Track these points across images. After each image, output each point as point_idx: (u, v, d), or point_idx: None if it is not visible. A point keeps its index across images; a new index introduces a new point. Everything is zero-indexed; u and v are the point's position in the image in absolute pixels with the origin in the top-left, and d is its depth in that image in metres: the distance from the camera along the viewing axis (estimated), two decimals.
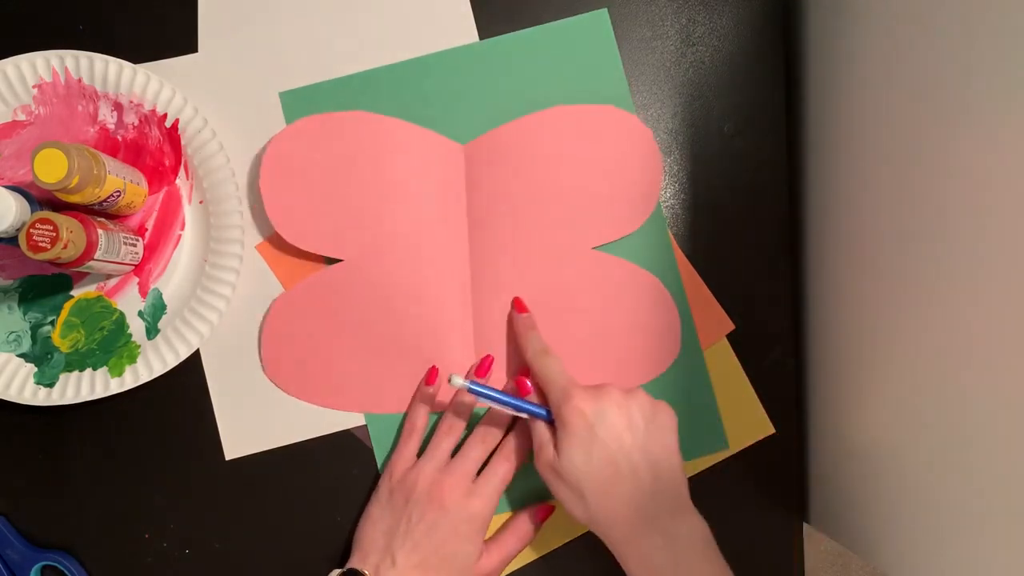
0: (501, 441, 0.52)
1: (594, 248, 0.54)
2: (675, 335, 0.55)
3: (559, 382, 0.48)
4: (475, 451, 0.51)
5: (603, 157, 0.54)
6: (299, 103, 0.54)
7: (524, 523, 0.53)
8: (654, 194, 0.54)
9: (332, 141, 0.53)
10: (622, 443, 0.45)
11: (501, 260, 0.54)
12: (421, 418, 0.53)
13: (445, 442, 0.52)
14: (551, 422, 0.48)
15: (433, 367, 0.53)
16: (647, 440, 0.46)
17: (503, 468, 0.51)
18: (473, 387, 0.48)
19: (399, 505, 0.50)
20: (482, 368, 0.53)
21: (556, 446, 0.46)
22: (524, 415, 0.49)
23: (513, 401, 0.49)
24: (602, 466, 0.45)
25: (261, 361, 0.54)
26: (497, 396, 0.48)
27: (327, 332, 0.54)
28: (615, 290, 0.54)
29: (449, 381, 0.47)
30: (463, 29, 0.55)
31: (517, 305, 0.53)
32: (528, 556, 0.55)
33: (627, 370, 0.54)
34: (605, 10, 0.55)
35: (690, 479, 0.54)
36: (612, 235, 0.54)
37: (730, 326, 0.55)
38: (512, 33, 0.55)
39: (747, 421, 0.55)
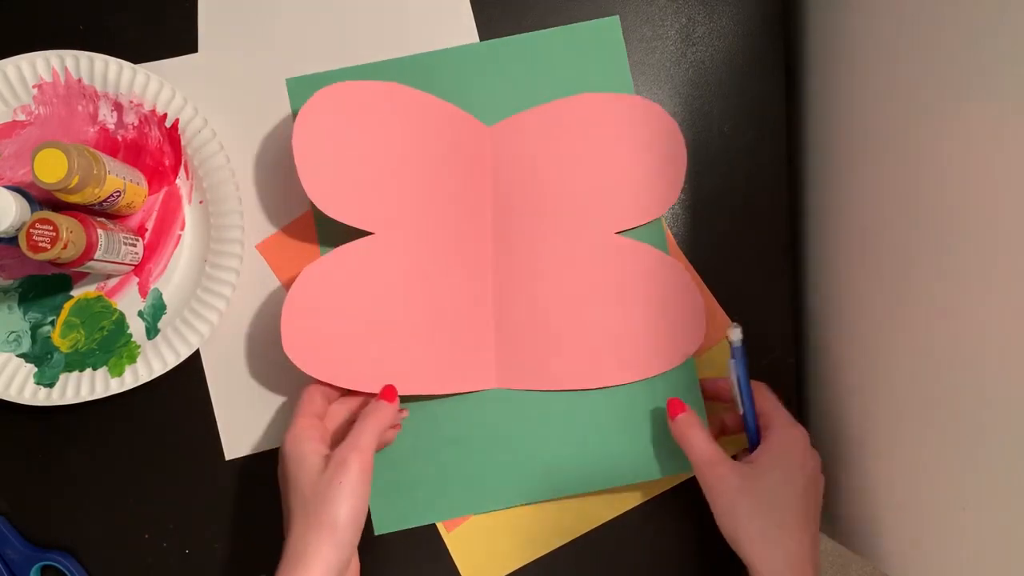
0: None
1: (617, 233, 0.54)
2: (700, 321, 0.54)
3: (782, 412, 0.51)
4: (341, 410, 0.51)
5: (628, 144, 0.54)
6: (306, 90, 0.53)
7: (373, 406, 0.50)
8: (678, 182, 0.55)
9: (365, 109, 0.52)
10: (816, 488, 0.48)
11: (523, 243, 0.54)
12: (332, 397, 0.52)
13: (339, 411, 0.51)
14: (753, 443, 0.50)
15: (390, 387, 0.50)
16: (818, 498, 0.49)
17: (370, 423, 0.48)
18: (736, 362, 0.49)
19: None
20: (387, 394, 0.50)
21: (753, 460, 0.48)
22: (741, 407, 0.50)
23: (748, 398, 0.50)
24: (796, 496, 0.47)
25: (281, 335, 0.50)
26: (744, 386, 0.50)
27: (351, 307, 0.51)
28: (639, 275, 0.54)
29: (728, 337, 0.49)
30: (463, 30, 0.55)
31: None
32: (527, 556, 0.55)
33: (651, 356, 0.54)
34: (616, 17, 0.55)
35: (690, 479, 0.54)
36: (635, 221, 0.54)
37: (731, 326, 0.55)
38: (523, 34, 0.55)
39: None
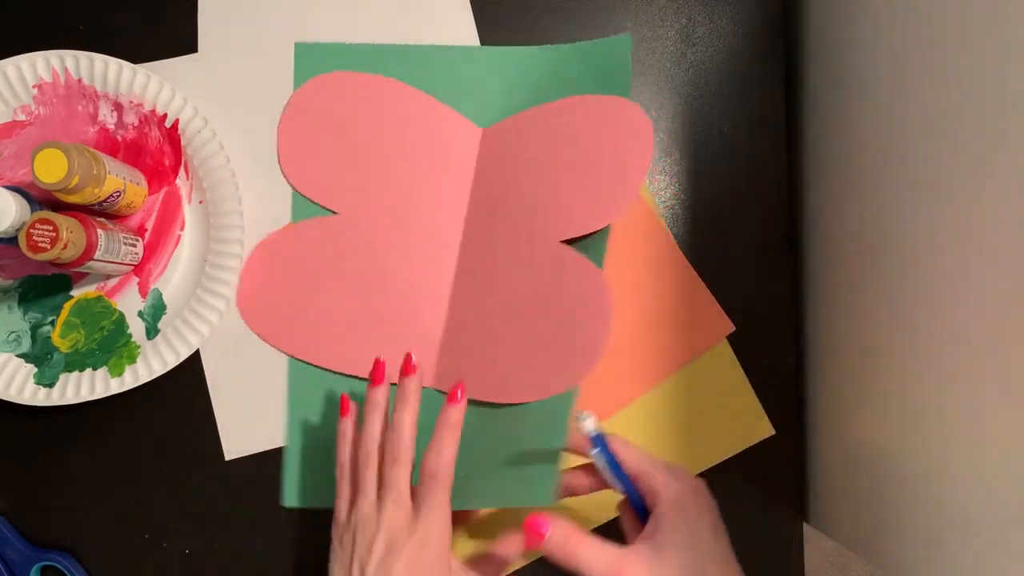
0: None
1: (563, 241, 0.51)
2: (596, 351, 0.48)
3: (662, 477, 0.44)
4: (399, 472, 0.45)
5: (585, 149, 0.52)
6: (311, 58, 0.55)
7: (511, 546, 0.48)
8: (634, 188, 0.50)
9: (356, 99, 0.54)
10: (720, 527, 0.44)
11: (488, 248, 0.54)
12: (345, 454, 0.48)
13: (368, 471, 0.45)
14: (639, 511, 0.45)
15: (379, 360, 0.48)
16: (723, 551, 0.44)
17: (439, 471, 0.44)
18: (600, 452, 0.43)
19: (348, 549, 0.44)
20: (407, 367, 0.47)
21: (651, 536, 0.42)
22: (619, 488, 0.45)
23: (624, 479, 0.45)
24: (709, 550, 0.42)
25: (236, 298, 0.53)
26: (615, 470, 0.44)
27: (308, 281, 0.54)
28: (554, 291, 0.51)
29: (579, 421, 0.43)
30: (463, 34, 0.55)
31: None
32: (527, 556, 0.55)
33: (541, 378, 0.50)
34: (628, 35, 0.54)
35: None
36: (579, 230, 0.50)
37: (730, 327, 0.55)
38: (537, 46, 0.55)
39: (747, 422, 0.55)
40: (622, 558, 0.41)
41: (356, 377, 0.54)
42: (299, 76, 0.55)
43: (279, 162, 0.54)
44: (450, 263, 0.54)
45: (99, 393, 0.52)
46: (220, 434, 0.54)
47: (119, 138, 0.53)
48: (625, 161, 0.51)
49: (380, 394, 0.47)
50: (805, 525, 0.57)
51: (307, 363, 0.54)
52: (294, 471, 0.54)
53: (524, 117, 0.54)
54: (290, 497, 0.54)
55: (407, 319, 0.54)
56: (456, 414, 0.46)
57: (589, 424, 0.43)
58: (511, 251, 0.53)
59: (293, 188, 0.54)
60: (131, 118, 0.53)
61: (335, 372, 0.54)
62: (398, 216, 0.54)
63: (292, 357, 0.54)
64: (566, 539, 0.42)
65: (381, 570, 0.42)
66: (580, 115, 0.53)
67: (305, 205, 0.55)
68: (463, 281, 0.54)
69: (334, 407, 0.54)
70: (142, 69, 0.52)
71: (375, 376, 0.48)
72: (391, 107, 0.55)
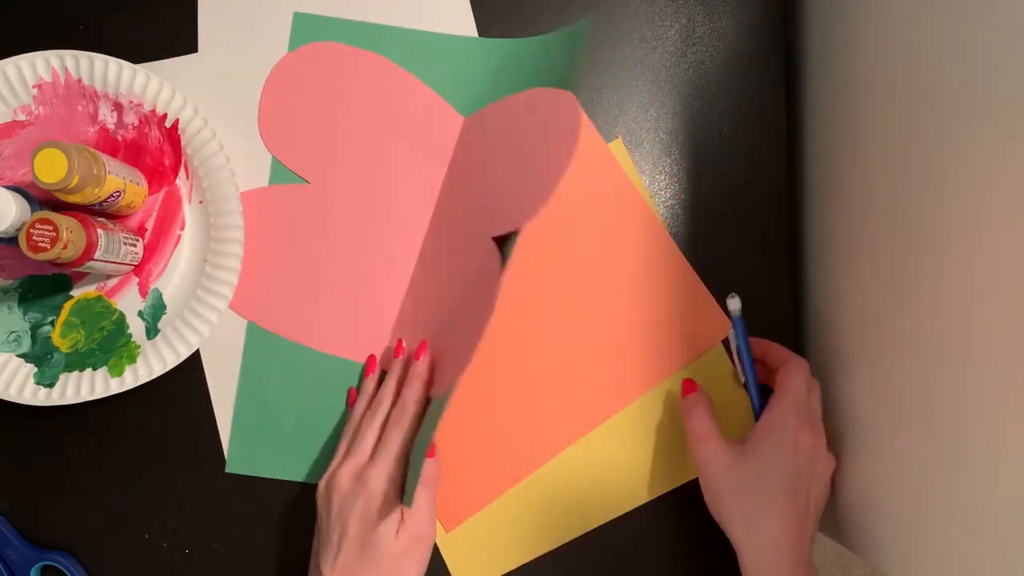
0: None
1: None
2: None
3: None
4: (367, 435, 0.49)
5: (529, 143, 0.50)
6: (308, 30, 0.55)
7: (428, 468, 0.50)
8: (549, 186, 0.45)
9: (345, 72, 0.55)
10: (810, 470, 0.47)
11: (445, 238, 0.54)
12: (360, 410, 0.51)
13: (365, 439, 0.49)
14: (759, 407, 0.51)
15: (372, 356, 0.53)
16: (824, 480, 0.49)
17: (394, 434, 0.48)
18: (738, 327, 0.51)
19: (323, 520, 0.48)
20: (419, 351, 0.51)
21: (748, 439, 0.49)
22: (743, 376, 0.52)
23: (749, 363, 0.52)
24: (784, 479, 0.46)
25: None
26: (745, 353, 0.52)
27: (270, 247, 0.54)
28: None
29: (727, 307, 0.52)
30: (461, 24, 0.55)
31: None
32: (524, 556, 0.55)
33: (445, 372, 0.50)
34: (587, 20, 0.51)
35: (689, 480, 0.54)
36: (509, 226, 0.48)
37: (729, 327, 0.55)
38: (522, 39, 0.55)
39: (745, 423, 0.55)
40: (713, 437, 0.49)
41: (311, 348, 0.55)
42: (294, 45, 0.55)
43: (258, 122, 0.54)
44: (414, 249, 0.55)
45: (99, 393, 0.52)
46: (220, 434, 0.54)
47: (119, 138, 0.53)
48: (547, 158, 0.47)
49: (418, 366, 0.51)
50: None
51: (264, 329, 0.54)
52: (241, 438, 0.54)
53: (496, 108, 0.54)
54: (233, 463, 0.54)
55: (363, 298, 0.55)
56: (421, 366, 0.50)
57: (734, 304, 0.51)
58: (462, 243, 0.53)
59: (268, 150, 0.55)
60: (131, 118, 0.53)
61: (291, 341, 0.54)
62: (367, 192, 0.55)
63: (250, 322, 0.55)
64: (695, 403, 0.51)
65: (344, 536, 0.46)
66: (528, 109, 0.52)
67: (282, 171, 0.55)
68: (422, 269, 0.55)
69: (285, 376, 0.54)
70: (142, 69, 0.52)
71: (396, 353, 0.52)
72: (378, 85, 0.55)
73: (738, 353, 0.51)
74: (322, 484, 0.49)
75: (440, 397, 0.48)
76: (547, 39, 0.55)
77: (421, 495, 0.48)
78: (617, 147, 0.56)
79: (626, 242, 0.55)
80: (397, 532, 0.46)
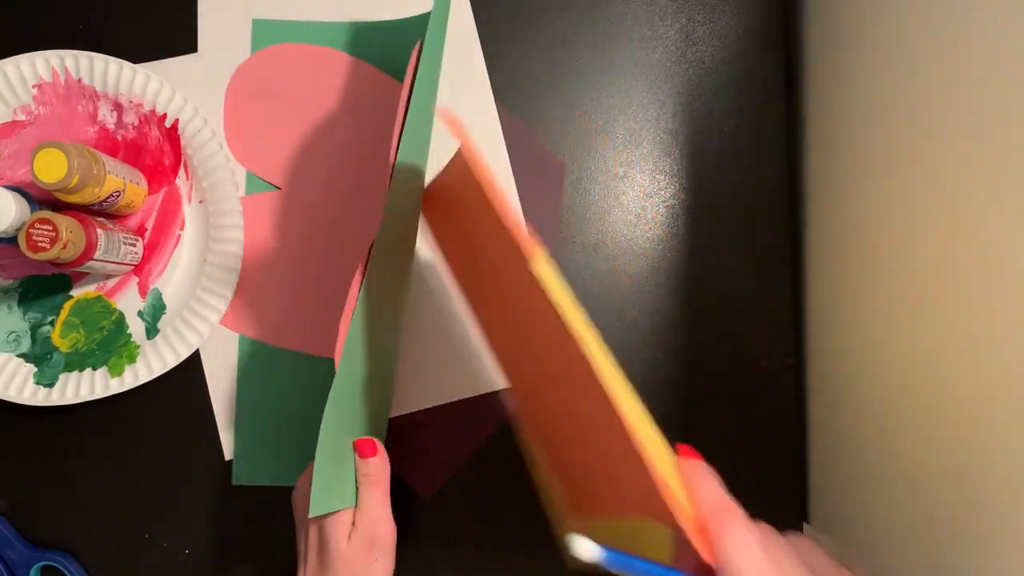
0: None
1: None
2: None
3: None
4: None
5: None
6: (268, 35, 0.55)
7: (367, 467, 0.47)
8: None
9: (300, 72, 0.55)
10: None
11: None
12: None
13: None
14: None
15: (370, 442, 0.47)
16: None
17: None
18: (610, 558, 0.33)
19: (296, 525, 0.48)
20: (365, 449, 0.47)
21: None
22: None
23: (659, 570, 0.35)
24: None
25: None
26: (640, 568, 0.34)
27: (253, 259, 0.54)
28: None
29: (569, 542, 0.32)
30: (463, 33, 0.55)
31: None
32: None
33: None
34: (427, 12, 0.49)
35: None
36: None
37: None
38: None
39: None
40: (732, 511, 0.38)
41: (302, 353, 0.54)
42: (255, 50, 0.55)
43: (225, 136, 0.54)
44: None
45: (99, 393, 0.52)
46: (220, 434, 0.55)
47: (119, 138, 0.53)
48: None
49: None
50: (805, 525, 0.57)
51: (254, 340, 0.54)
52: (245, 451, 0.54)
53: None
54: (239, 475, 0.54)
55: (339, 295, 0.54)
56: (368, 468, 0.46)
57: (586, 547, 0.32)
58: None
59: (239, 163, 0.54)
60: (131, 118, 0.53)
61: (282, 348, 0.54)
62: (333, 187, 0.55)
63: (241, 335, 0.54)
64: (701, 469, 0.39)
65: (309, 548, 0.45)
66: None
67: (256, 181, 0.55)
68: None
69: (279, 385, 0.54)
70: (142, 69, 0.52)
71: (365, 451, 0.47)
72: (327, 75, 0.55)
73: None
74: (295, 490, 0.48)
75: (350, 377, 0.45)
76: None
77: (368, 495, 0.46)
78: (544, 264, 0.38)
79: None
80: (349, 537, 0.45)
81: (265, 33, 0.55)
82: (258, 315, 0.54)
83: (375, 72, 0.55)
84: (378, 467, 0.48)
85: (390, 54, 0.55)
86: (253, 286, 0.54)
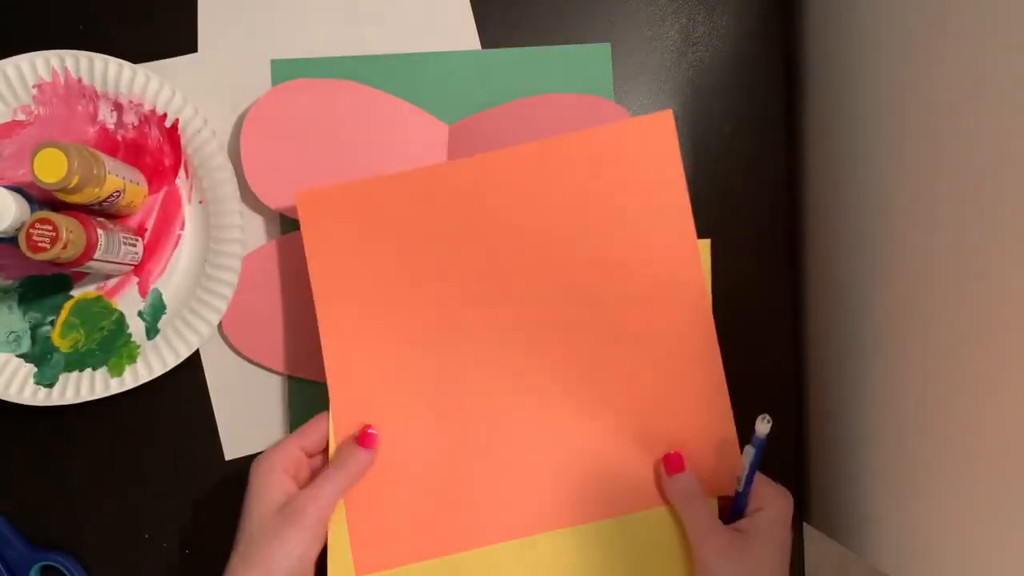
0: None
1: None
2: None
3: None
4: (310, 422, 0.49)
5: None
6: (289, 74, 0.54)
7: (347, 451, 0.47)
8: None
9: (318, 106, 0.53)
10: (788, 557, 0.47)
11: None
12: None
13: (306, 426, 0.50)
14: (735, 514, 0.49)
15: (368, 431, 0.48)
16: None
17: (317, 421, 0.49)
18: (758, 447, 0.46)
19: None
20: (366, 439, 0.48)
21: (745, 530, 0.47)
22: (740, 485, 0.48)
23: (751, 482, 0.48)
24: (778, 569, 0.46)
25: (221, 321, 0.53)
26: (755, 468, 0.47)
27: (288, 295, 0.53)
28: None
29: (757, 428, 0.45)
30: (464, 36, 0.55)
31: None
32: None
33: None
34: (608, 45, 0.55)
35: None
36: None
37: (737, 458, 0.51)
38: (514, 48, 0.55)
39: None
40: (720, 530, 0.46)
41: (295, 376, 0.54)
42: None
43: (245, 175, 0.52)
44: None
45: (99, 393, 0.52)
46: (220, 434, 0.55)
47: (119, 138, 0.53)
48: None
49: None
50: (805, 525, 0.57)
51: (301, 379, 0.54)
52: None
53: (491, 114, 0.54)
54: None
55: None
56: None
57: (765, 427, 0.45)
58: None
59: (268, 206, 0.53)
60: (131, 118, 0.53)
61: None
62: None
63: (287, 376, 0.54)
64: (693, 487, 0.47)
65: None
66: (557, 112, 0.54)
67: (290, 221, 0.54)
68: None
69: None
70: (142, 69, 0.52)
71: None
72: (352, 109, 0.54)
73: (748, 467, 0.47)
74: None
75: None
76: (551, 50, 0.55)
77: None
78: (704, 247, 0.51)
79: (671, 338, 0.51)
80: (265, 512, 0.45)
81: (285, 73, 0.54)
82: (295, 349, 0.53)
83: (398, 102, 0.54)
84: (358, 461, 0.47)
85: (414, 87, 0.55)
86: (291, 321, 0.53)
